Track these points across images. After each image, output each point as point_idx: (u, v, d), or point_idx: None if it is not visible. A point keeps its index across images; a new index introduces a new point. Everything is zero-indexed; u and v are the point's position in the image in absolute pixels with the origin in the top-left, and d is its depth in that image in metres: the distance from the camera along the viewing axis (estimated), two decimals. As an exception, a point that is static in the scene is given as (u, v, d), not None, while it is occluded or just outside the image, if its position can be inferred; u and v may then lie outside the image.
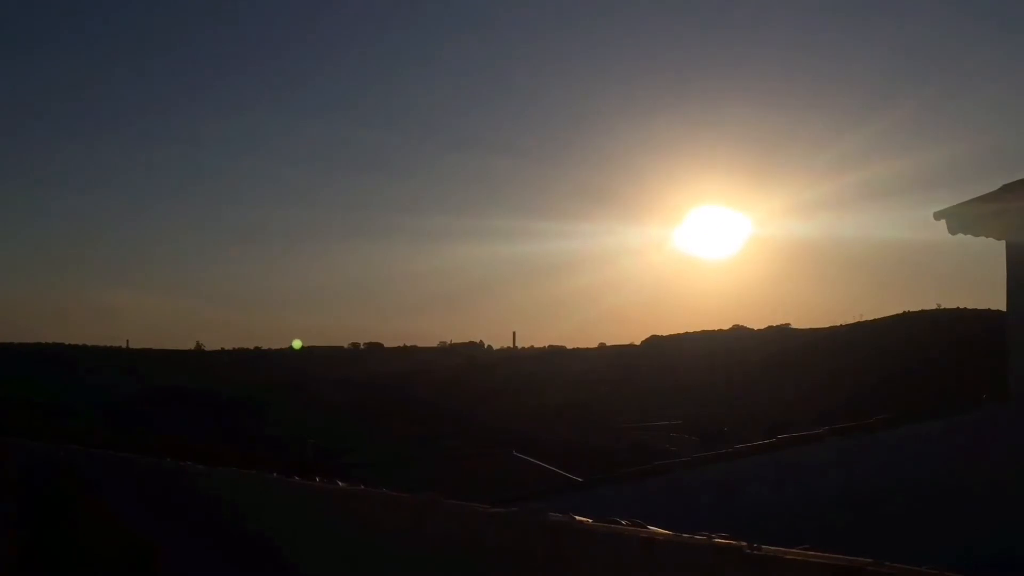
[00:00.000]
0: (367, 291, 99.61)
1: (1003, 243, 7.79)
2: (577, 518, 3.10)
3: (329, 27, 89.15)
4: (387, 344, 74.66)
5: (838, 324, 57.05)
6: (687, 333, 60.20)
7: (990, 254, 8.18)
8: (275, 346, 70.65)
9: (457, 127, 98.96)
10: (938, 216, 7.94)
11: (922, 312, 56.96)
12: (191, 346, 68.14)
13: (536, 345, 71.95)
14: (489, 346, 75.58)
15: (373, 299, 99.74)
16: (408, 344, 72.76)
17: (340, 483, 4.92)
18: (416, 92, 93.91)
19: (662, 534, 2.76)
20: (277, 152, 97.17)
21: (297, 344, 77.84)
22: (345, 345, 73.89)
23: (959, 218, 7.86)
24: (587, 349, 66.65)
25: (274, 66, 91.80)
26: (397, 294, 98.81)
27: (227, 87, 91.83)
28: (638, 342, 62.69)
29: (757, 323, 60.48)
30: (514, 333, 70.66)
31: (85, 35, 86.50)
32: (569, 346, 69.34)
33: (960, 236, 8.03)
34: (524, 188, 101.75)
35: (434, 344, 75.54)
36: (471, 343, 76.29)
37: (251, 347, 68.66)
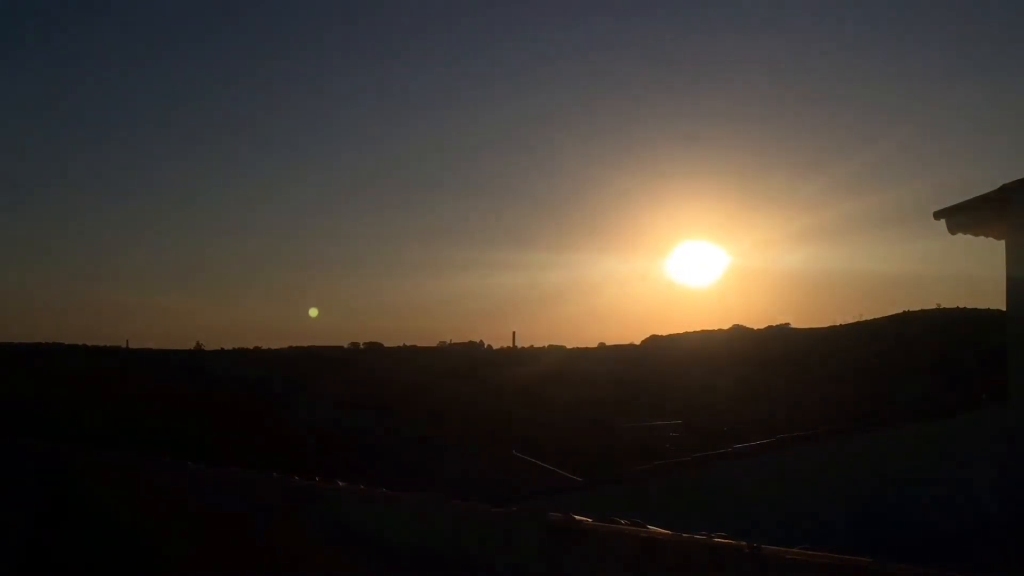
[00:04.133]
0: (367, 292, 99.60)
1: (1003, 243, 7.80)
2: (577, 518, 3.10)
3: (344, 56, 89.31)
4: (387, 344, 74.55)
5: (838, 324, 56.96)
6: (687, 333, 60.10)
7: (990, 254, 8.20)
8: (275, 345, 70.57)
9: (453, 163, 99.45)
10: (938, 216, 7.95)
11: (922, 312, 56.88)
12: (191, 346, 67.98)
13: (536, 345, 71.85)
14: (489, 346, 75.50)
15: (373, 300, 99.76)
16: (408, 344, 72.66)
17: (340, 483, 4.92)
18: (415, 127, 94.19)
19: (662, 534, 2.76)
20: (280, 154, 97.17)
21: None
22: (345, 345, 73.81)
23: (959, 218, 7.88)
24: (587, 349, 66.55)
25: (282, 68, 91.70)
26: (397, 299, 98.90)
27: (231, 86, 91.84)
28: (638, 342, 62.60)
29: (757, 323, 60.37)
30: (514, 333, 70.44)
31: (84, 35, 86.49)
32: (569, 346, 69.20)
33: (960, 236, 8.05)
34: (520, 222, 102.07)
35: (434, 344, 75.45)
36: (471, 343, 76.20)
37: (251, 347, 68.56)
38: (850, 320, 58.38)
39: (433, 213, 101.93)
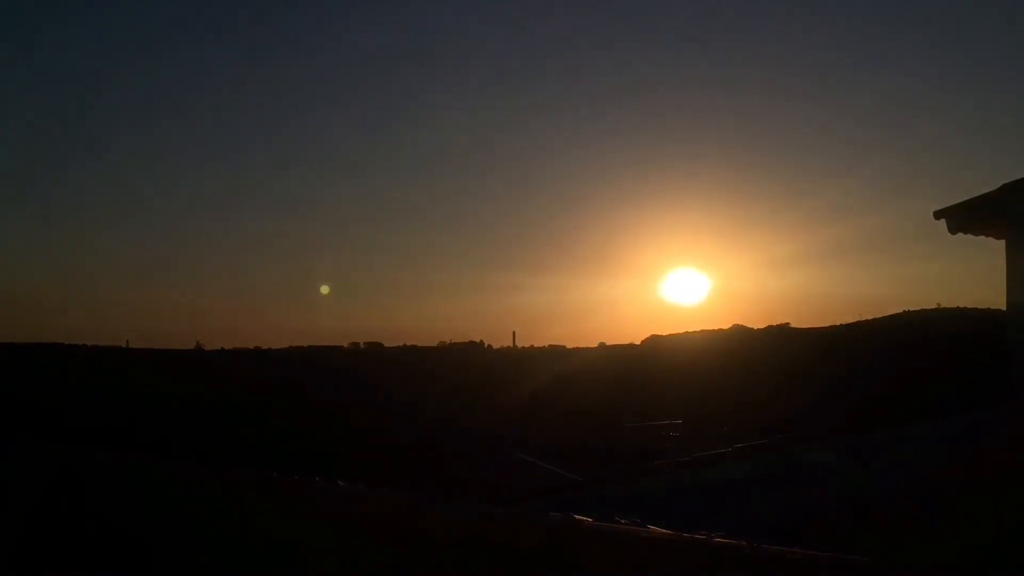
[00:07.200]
0: (367, 292, 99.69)
1: (1003, 242, 7.80)
2: (577, 518, 3.11)
3: (351, 62, 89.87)
4: (387, 344, 74.55)
5: (838, 323, 56.93)
6: (687, 333, 60.07)
7: (990, 253, 8.20)
8: (275, 345, 70.58)
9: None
10: (938, 215, 7.95)
11: (922, 312, 56.85)
12: (191, 346, 68.00)
13: (536, 345, 71.83)
14: (489, 346, 75.51)
15: (373, 299, 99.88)
16: (408, 344, 72.66)
17: (340, 483, 4.92)
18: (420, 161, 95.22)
19: (662, 534, 2.77)
20: (281, 155, 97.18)
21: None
22: (345, 345, 73.81)
23: (959, 217, 7.88)
24: (587, 349, 66.52)
25: (288, 67, 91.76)
26: (396, 301, 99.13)
27: (234, 86, 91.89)
28: (638, 342, 62.55)
29: (757, 323, 60.32)
30: (514, 333, 70.48)
31: (84, 32, 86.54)
32: (569, 345, 69.19)
33: (960, 236, 8.05)
34: (519, 246, 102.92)
35: (434, 344, 75.45)
36: (471, 343, 76.19)
37: (251, 347, 68.57)
38: (850, 320, 58.39)
39: (437, 219, 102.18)
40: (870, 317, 58.25)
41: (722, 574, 2.46)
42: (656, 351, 56.00)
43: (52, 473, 6.90)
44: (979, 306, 50.02)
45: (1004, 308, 7.82)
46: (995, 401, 7.88)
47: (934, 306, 58.59)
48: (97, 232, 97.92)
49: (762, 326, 61.32)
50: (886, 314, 57.26)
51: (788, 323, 62.51)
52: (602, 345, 68.72)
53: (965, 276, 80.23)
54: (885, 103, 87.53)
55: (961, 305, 55.51)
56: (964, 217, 7.85)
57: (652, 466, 9.92)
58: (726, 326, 62.56)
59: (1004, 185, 7.53)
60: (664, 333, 64.39)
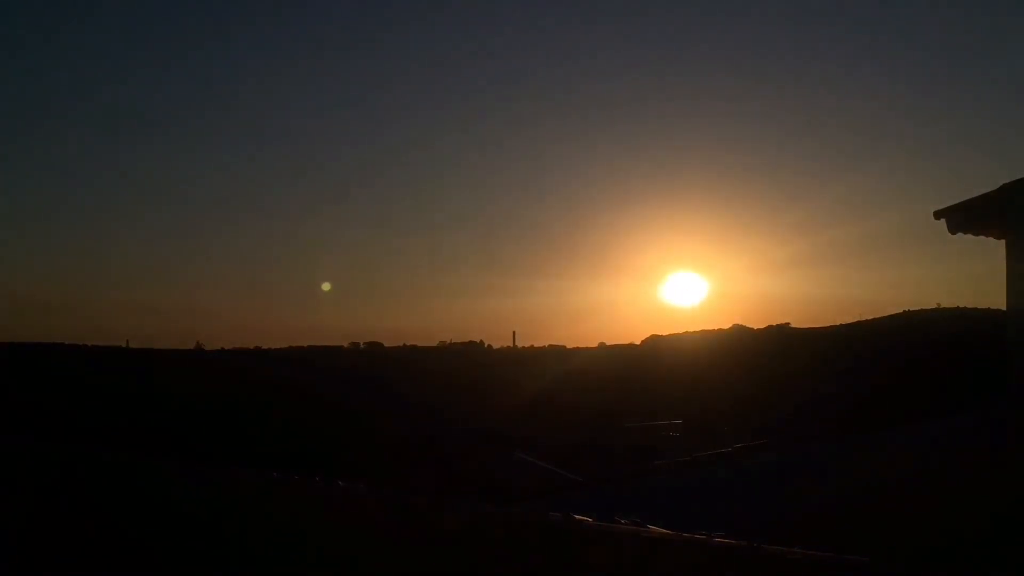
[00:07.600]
0: (367, 292, 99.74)
1: (1003, 243, 7.79)
2: (577, 518, 3.11)
3: (351, 62, 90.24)
4: (387, 344, 74.55)
5: (838, 323, 56.96)
6: (687, 333, 60.04)
7: (990, 254, 8.19)
8: (275, 345, 70.61)
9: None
10: (938, 215, 7.94)
11: (922, 312, 56.86)
12: (191, 346, 68.02)
13: (536, 345, 71.84)
14: (489, 345, 75.49)
15: (373, 299, 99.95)
16: (408, 344, 72.67)
17: (340, 483, 4.92)
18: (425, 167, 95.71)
19: (662, 534, 2.77)
20: (282, 157, 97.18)
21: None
22: (345, 345, 73.80)
23: (959, 217, 7.86)
24: (587, 349, 66.53)
25: (290, 70, 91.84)
26: (396, 301, 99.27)
27: (233, 87, 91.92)
28: (638, 342, 62.57)
29: (757, 323, 60.35)
30: (514, 333, 70.48)
31: (85, 35, 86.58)
32: (569, 346, 69.20)
33: (960, 236, 8.03)
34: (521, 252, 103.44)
35: (434, 344, 75.45)
36: (471, 342, 76.18)
37: (251, 347, 68.58)
38: (850, 320, 58.40)
39: (437, 220, 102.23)
40: (870, 317, 58.32)
41: (722, 574, 2.46)
42: (656, 351, 55.99)
43: (52, 473, 6.90)
44: (979, 306, 50.09)
45: (1004, 308, 7.81)
46: (995, 401, 7.87)
47: (934, 306, 58.70)
48: (98, 232, 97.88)
49: (762, 326, 61.35)
50: (886, 314, 57.36)
51: (788, 323, 62.52)
52: (602, 345, 68.79)
53: (965, 276, 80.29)
54: (885, 105, 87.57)
55: (961, 305, 55.61)
56: (964, 217, 7.83)
57: (652, 466, 9.92)
58: (726, 326, 62.64)
59: (1004, 185, 7.52)
60: (664, 333, 64.52)
